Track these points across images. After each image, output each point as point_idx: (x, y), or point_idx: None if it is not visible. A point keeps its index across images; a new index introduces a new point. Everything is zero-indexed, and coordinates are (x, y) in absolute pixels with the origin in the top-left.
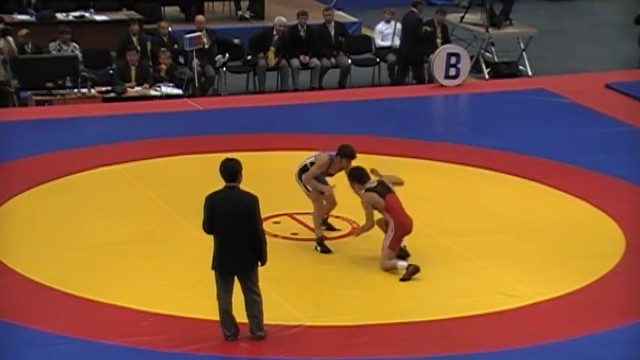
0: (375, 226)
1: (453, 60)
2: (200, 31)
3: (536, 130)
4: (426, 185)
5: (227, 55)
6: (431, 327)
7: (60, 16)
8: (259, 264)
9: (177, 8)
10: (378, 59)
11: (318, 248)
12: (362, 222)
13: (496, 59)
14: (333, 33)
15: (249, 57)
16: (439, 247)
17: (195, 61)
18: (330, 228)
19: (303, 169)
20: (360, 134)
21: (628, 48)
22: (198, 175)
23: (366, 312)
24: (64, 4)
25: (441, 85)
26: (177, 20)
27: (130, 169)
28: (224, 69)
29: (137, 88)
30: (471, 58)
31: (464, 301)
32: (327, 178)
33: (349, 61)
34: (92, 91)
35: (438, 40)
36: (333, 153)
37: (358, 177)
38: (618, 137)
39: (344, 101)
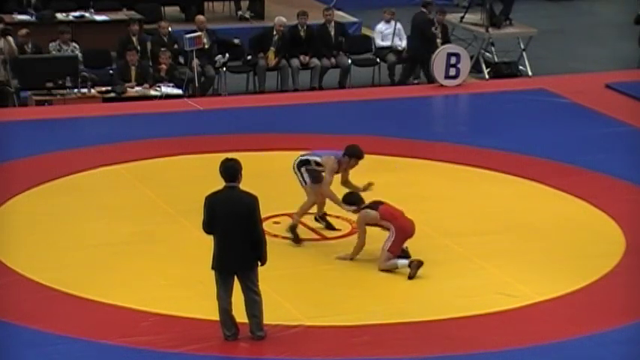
0: (375, 228)
1: (453, 60)
2: (200, 31)
3: (536, 130)
4: (426, 185)
5: (227, 55)
6: (431, 327)
7: (60, 16)
8: (259, 264)
9: (177, 8)
10: (378, 59)
11: (290, 235)
12: None
13: (496, 59)
14: (333, 33)
15: (249, 57)
16: (439, 247)
17: (195, 61)
18: (330, 228)
19: (304, 162)
20: (360, 134)
21: (628, 48)
22: (198, 175)
23: (366, 312)
24: (64, 4)
25: (441, 85)
26: (177, 20)
27: (130, 169)
28: (224, 69)
29: (137, 88)
30: (471, 58)
31: (464, 301)
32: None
33: (349, 61)
34: (92, 91)
35: (438, 40)
36: (335, 152)
37: (353, 202)
38: (618, 137)
39: (344, 101)
